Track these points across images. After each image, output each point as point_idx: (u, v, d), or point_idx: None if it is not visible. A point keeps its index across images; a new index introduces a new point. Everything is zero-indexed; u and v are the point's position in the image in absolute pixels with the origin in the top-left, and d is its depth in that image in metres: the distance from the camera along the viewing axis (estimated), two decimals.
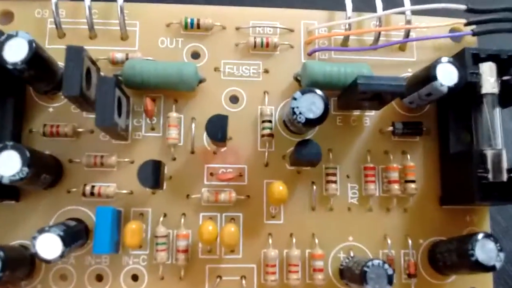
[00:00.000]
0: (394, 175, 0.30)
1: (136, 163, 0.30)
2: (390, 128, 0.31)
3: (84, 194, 0.29)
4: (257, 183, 0.30)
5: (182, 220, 0.29)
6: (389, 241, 0.30)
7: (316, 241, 0.30)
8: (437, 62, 0.28)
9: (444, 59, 0.28)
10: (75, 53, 0.26)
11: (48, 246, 0.25)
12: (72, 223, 0.27)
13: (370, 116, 0.32)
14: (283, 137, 0.31)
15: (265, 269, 0.29)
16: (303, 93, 0.27)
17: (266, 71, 0.32)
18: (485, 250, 0.26)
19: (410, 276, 0.30)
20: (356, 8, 0.32)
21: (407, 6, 0.31)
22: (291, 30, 0.32)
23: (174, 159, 0.30)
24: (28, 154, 0.25)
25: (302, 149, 0.28)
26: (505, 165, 0.28)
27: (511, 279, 0.37)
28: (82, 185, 0.29)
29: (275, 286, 0.29)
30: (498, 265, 0.26)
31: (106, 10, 0.32)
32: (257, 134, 0.31)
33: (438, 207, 0.31)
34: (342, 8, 0.32)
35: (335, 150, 0.31)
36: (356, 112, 0.31)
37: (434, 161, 0.32)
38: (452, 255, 0.28)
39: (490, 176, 0.28)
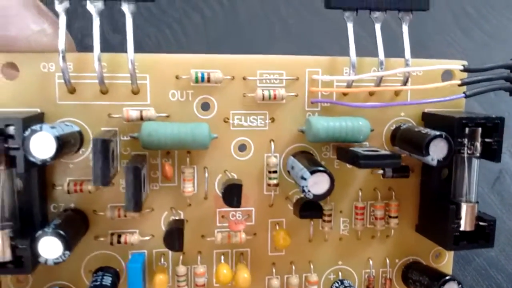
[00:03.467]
0: (380, 213, 0.35)
1: (155, 211, 0.33)
2: (381, 172, 0.35)
3: (111, 243, 0.32)
4: (263, 222, 0.35)
5: (199, 257, 0.34)
6: (371, 263, 0.36)
7: (312, 266, 0.36)
8: (431, 138, 0.31)
9: (438, 135, 0.31)
10: (102, 145, 0.27)
11: None
12: (108, 280, 0.31)
13: None
14: (287, 181, 0.34)
15: None
16: (312, 173, 0.30)
17: (272, 120, 0.34)
18: None
19: None
20: (358, 53, 0.34)
21: (409, 64, 0.33)
22: (296, 79, 0.33)
23: (189, 205, 0.33)
24: (67, 238, 0.28)
25: (305, 210, 0.32)
26: (475, 216, 0.33)
27: (498, 286, 0.44)
28: (109, 235, 0.32)
29: None
30: None
31: (115, 62, 0.31)
32: (263, 179, 0.34)
33: (413, 232, 0.37)
34: (345, 52, 0.33)
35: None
36: None
37: (414, 193, 0.36)
38: None
39: (462, 226, 0.33)
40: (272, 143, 0.34)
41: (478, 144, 0.32)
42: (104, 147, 0.27)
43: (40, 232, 0.28)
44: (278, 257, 0.35)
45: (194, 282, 0.34)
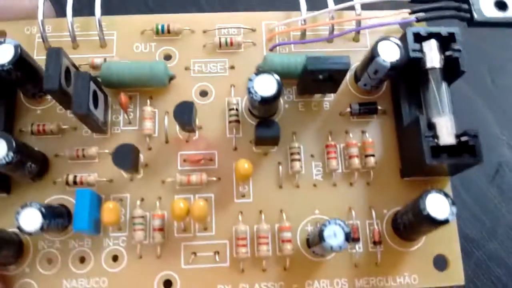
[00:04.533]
0: (354, 150, 0.33)
1: None
2: (348, 109, 0.34)
3: (67, 183, 0.32)
4: (227, 166, 0.33)
5: (158, 203, 0.32)
6: (353, 213, 0.32)
7: (284, 216, 0.32)
8: (378, 40, 0.31)
9: (386, 38, 0.31)
10: (54, 54, 0.30)
11: (30, 219, 0.27)
12: (55, 205, 0.30)
13: (330, 101, 0.34)
14: (250, 123, 0.34)
15: (237, 242, 0.31)
16: (257, 74, 0.30)
17: (232, 67, 0.35)
18: (437, 205, 0.28)
19: (375, 243, 0.31)
20: (310, 8, 0.36)
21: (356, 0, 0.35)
22: (253, 30, 0.36)
23: (150, 148, 0.33)
24: (13, 141, 0.28)
25: (261, 128, 0.31)
26: (453, 130, 0.30)
27: (497, 279, 0.39)
28: (65, 175, 0.32)
29: (246, 257, 0.31)
30: (451, 218, 0.28)
31: (87, 24, 0.36)
32: (225, 123, 0.34)
33: (400, 180, 0.33)
34: (298, 9, 0.36)
35: (299, 134, 0.33)
36: (316, 97, 0.34)
37: (392, 137, 0.34)
38: (408, 214, 0.29)
39: (440, 141, 0.30)
40: (232, 88, 0.34)
41: (438, 56, 0.31)
42: (55, 54, 0.30)
43: None
44: (246, 205, 0.32)
45: (152, 226, 0.31)
